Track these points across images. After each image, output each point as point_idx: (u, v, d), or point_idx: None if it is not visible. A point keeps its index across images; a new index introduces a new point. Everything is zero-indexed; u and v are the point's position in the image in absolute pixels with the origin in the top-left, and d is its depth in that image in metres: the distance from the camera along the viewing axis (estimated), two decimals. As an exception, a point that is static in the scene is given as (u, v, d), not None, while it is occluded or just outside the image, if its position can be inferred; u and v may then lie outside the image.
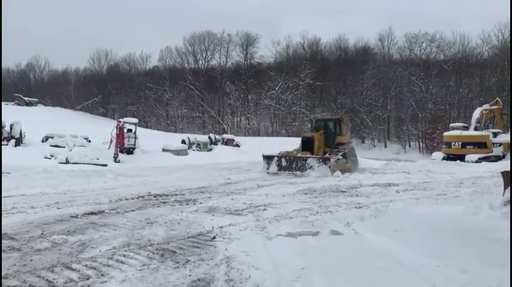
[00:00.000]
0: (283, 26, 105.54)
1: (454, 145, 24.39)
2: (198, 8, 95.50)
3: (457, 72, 53.57)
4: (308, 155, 15.42)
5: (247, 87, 61.19)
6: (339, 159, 15.58)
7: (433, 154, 27.04)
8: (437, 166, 18.40)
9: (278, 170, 15.06)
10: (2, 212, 6.82)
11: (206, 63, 65.80)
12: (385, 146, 54.71)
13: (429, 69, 54.06)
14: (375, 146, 55.19)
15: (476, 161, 21.31)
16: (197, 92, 62.01)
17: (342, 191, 10.19)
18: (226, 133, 43.47)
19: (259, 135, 53.99)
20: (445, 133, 27.27)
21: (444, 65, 53.65)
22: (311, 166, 14.61)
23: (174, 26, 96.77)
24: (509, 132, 23.82)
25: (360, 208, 7.63)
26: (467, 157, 22.27)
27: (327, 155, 15.77)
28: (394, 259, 4.42)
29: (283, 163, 15.18)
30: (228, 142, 30.20)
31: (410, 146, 53.67)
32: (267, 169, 15.32)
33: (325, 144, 16.91)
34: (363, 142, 55.74)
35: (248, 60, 64.94)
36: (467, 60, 54.24)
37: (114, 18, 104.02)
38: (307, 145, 16.45)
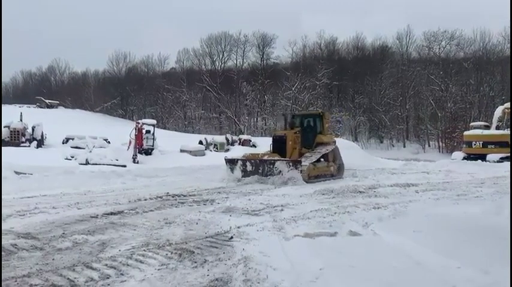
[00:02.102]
0: (300, 26, 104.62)
1: (475, 145, 23.87)
2: (214, 9, 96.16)
3: (477, 71, 52.46)
4: (276, 158, 13.08)
5: (264, 88, 61.10)
6: (318, 162, 13.41)
7: (453, 153, 26.50)
8: (458, 166, 18.05)
9: (243, 176, 12.83)
10: (25, 213, 7.00)
11: (223, 65, 66.27)
12: (404, 146, 53.97)
13: (449, 67, 53.03)
14: (393, 146, 54.49)
15: (498, 161, 20.82)
16: (214, 93, 62.29)
17: (360, 192, 10.06)
18: (243, 134, 43.59)
19: (276, 136, 53.79)
20: (466, 132, 26.69)
21: (464, 63, 52.65)
22: (280, 171, 12.28)
23: (191, 27, 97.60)
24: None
25: (378, 208, 7.52)
26: (488, 157, 21.78)
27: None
28: (413, 259, 4.36)
29: (249, 168, 12.94)
30: (244, 143, 30.32)
31: (429, 146, 52.75)
32: (231, 173, 13.13)
33: (302, 144, 14.52)
34: (382, 142, 55.15)
35: (264, 61, 64.99)
36: (488, 57, 53.17)
37: (132, 21, 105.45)
38: (278, 145, 14.01)
